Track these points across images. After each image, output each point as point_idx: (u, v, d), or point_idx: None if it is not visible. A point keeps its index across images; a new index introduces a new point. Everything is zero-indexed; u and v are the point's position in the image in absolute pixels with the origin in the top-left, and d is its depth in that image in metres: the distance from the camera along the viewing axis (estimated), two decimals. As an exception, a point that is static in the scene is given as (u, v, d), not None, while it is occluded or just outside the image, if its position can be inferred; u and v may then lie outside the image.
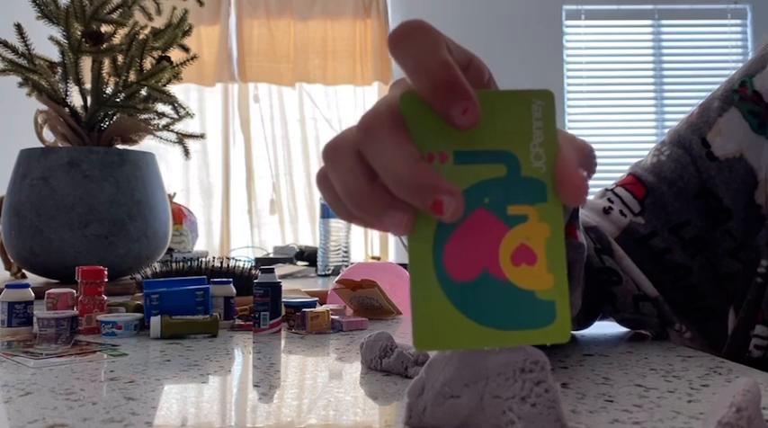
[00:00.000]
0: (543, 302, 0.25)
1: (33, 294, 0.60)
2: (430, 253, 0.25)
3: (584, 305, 0.52)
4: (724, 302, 0.54)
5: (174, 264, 0.77)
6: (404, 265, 0.92)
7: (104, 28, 1.04)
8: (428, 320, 0.25)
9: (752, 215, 0.52)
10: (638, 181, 0.56)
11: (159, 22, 1.09)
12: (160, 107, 1.07)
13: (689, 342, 0.55)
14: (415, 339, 0.25)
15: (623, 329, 0.61)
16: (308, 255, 1.70)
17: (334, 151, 0.27)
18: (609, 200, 0.57)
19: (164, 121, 1.09)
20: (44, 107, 1.03)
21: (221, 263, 0.77)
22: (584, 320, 0.56)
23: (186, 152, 1.13)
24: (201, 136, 1.16)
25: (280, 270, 1.31)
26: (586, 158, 0.27)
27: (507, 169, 0.26)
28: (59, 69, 1.03)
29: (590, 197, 0.57)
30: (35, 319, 0.58)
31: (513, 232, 0.25)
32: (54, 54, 1.05)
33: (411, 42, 0.26)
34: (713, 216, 0.53)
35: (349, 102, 3.55)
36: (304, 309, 0.61)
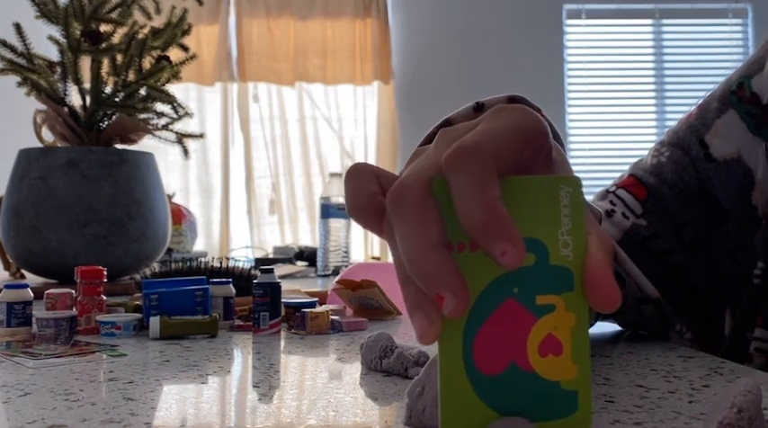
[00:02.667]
0: (567, 392, 0.26)
1: (32, 294, 0.60)
2: (460, 346, 0.25)
3: None
4: (720, 303, 0.55)
5: (173, 265, 0.77)
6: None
7: (103, 27, 1.04)
8: (456, 413, 0.25)
9: (748, 216, 0.52)
10: (638, 182, 0.56)
11: (158, 22, 1.09)
12: (159, 107, 1.07)
13: (689, 343, 0.55)
14: (443, 426, 0.25)
15: (623, 329, 0.61)
16: (308, 255, 1.70)
17: (397, 203, 0.26)
18: (611, 202, 0.57)
19: (163, 121, 1.09)
20: (43, 107, 1.03)
21: (221, 263, 0.77)
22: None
23: (185, 152, 1.13)
24: (201, 135, 1.16)
25: (279, 270, 1.31)
26: (609, 252, 0.27)
27: (536, 258, 0.26)
28: (58, 69, 1.03)
29: (590, 198, 0.57)
30: (34, 319, 0.58)
31: (541, 322, 0.25)
32: (53, 53, 1.05)
33: (460, 170, 0.25)
34: (712, 216, 0.54)
35: (349, 102, 3.55)
36: (304, 310, 0.61)
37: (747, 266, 0.51)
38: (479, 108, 0.41)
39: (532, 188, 0.26)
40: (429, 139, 0.42)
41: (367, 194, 0.28)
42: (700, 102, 0.58)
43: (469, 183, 0.24)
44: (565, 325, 0.26)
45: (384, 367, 0.42)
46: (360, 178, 0.29)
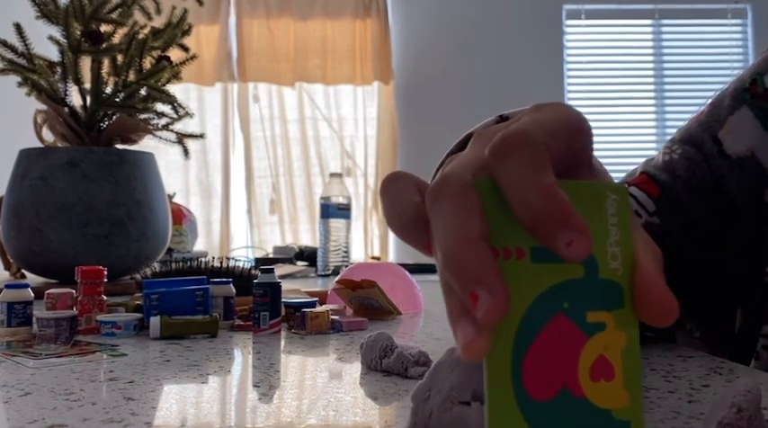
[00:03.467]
0: (619, 422, 0.23)
1: (33, 294, 0.60)
2: (509, 368, 0.22)
3: None
4: (732, 301, 0.54)
5: (173, 264, 0.77)
6: (403, 265, 0.92)
7: (104, 27, 1.04)
8: None
9: (761, 214, 0.51)
10: (651, 179, 0.55)
11: (159, 22, 1.09)
12: (160, 107, 1.07)
13: (698, 341, 0.55)
14: None
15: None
16: (308, 255, 1.70)
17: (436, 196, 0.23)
18: None
19: (163, 121, 1.09)
20: (43, 107, 1.03)
21: (221, 263, 0.77)
22: None
23: (186, 152, 1.13)
24: (201, 136, 1.16)
25: (279, 270, 1.31)
26: (659, 260, 0.24)
27: (585, 270, 0.23)
28: (59, 69, 1.03)
29: None
30: (34, 319, 0.58)
31: (591, 342, 0.23)
32: (53, 54, 1.05)
33: (509, 160, 0.22)
34: (725, 214, 0.53)
35: (349, 102, 3.55)
36: (304, 309, 0.61)
37: (758, 265, 0.51)
38: (503, 120, 0.39)
39: (579, 193, 0.23)
40: (450, 154, 0.40)
41: (409, 203, 0.25)
42: (711, 99, 0.57)
43: (523, 170, 0.22)
44: (616, 345, 0.23)
45: (384, 367, 0.42)
46: (400, 187, 0.26)
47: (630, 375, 0.23)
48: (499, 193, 0.23)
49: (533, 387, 0.22)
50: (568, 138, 0.25)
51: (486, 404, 0.22)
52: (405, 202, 0.25)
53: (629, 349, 0.24)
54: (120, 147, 1.05)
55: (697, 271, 0.53)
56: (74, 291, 0.64)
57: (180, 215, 1.63)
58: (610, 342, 0.23)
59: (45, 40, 1.05)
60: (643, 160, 0.60)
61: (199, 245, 2.05)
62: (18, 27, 1.01)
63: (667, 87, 3.66)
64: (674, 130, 0.59)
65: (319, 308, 0.62)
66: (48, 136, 1.09)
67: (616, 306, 0.23)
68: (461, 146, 0.39)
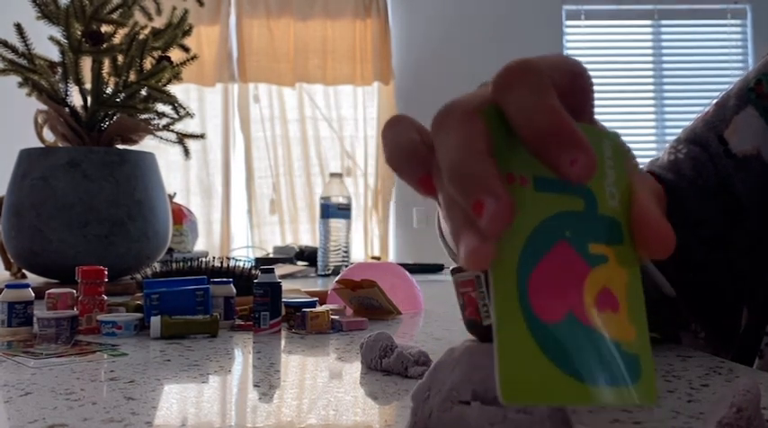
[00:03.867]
0: (628, 356, 0.22)
1: (33, 294, 0.60)
2: (515, 287, 0.21)
3: None
4: (739, 301, 0.54)
5: (174, 264, 0.77)
6: (403, 265, 0.92)
7: (104, 28, 1.04)
8: (517, 369, 0.21)
9: (766, 214, 0.52)
10: (657, 179, 0.55)
11: (159, 22, 1.09)
12: (160, 107, 1.07)
13: (703, 342, 0.55)
14: (503, 390, 0.21)
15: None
16: (308, 255, 1.70)
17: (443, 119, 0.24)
18: None
19: (164, 121, 1.09)
20: (44, 107, 1.03)
21: (221, 263, 0.77)
22: None
23: (186, 152, 1.13)
24: (201, 136, 1.16)
25: (280, 270, 1.31)
26: (661, 202, 0.25)
27: (585, 204, 0.23)
28: (59, 69, 1.04)
29: None
30: (35, 319, 0.58)
31: (595, 272, 0.23)
32: (54, 54, 1.05)
33: (514, 86, 0.23)
34: (731, 214, 0.53)
35: (349, 102, 3.55)
36: (304, 309, 0.61)
37: (765, 263, 0.51)
38: None
39: None
40: None
41: (407, 139, 0.25)
42: (716, 100, 0.57)
43: (528, 93, 0.22)
44: (619, 280, 0.23)
45: (384, 366, 0.42)
46: (400, 126, 0.26)
47: (635, 311, 0.23)
48: (504, 122, 0.23)
49: (540, 307, 0.22)
50: (570, 77, 0.26)
51: (493, 323, 0.21)
52: (402, 138, 0.26)
53: (633, 285, 0.23)
54: (120, 147, 1.05)
55: (703, 270, 0.53)
56: (74, 291, 0.64)
57: (180, 215, 1.63)
58: (612, 275, 0.23)
59: (46, 41, 1.05)
60: (648, 161, 0.60)
61: (199, 245, 2.05)
62: (19, 27, 1.01)
63: (667, 88, 3.66)
64: (674, 130, 0.59)
65: (319, 308, 0.62)
66: (48, 136, 1.09)
67: (616, 241, 0.24)
68: None
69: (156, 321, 0.57)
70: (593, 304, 0.22)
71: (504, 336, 0.21)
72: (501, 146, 0.23)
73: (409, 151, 0.25)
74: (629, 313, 0.23)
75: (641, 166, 0.59)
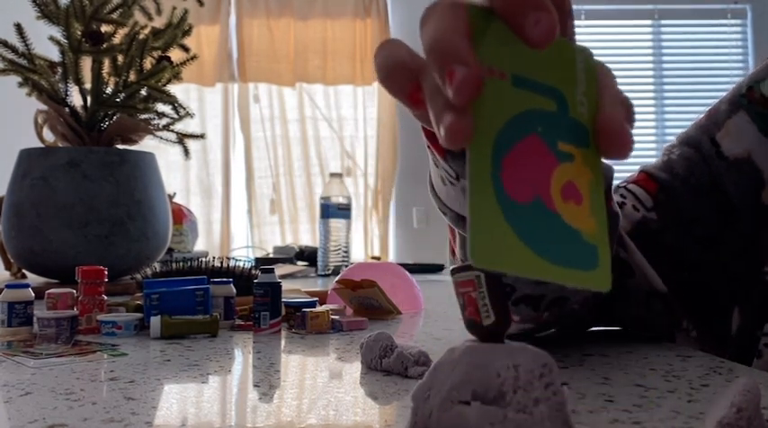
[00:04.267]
0: (588, 245, 0.25)
1: (33, 294, 0.60)
2: (489, 164, 0.23)
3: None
4: (730, 302, 0.54)
5: (173, 264, 0.77)
6: (403, 265, 0.92)
7: (104, 28, 1.04)
8: (486, 236, 0.23)
9: (759, 215, 0.52)
10: (649, 177, 0.57)
11: (159, 22, 1.09)
12: (160, 107, 1.07)
13: (695, 341, 0.55)
14: (473, 253, 0.22)
15: (623, 329, 0.61)
16: (308, 255, 1.70)
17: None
18: (621, 195, 0.57)
19: (164, 121, 1.09)
20: (44, 107, 1.03)
21: (221, 263, 0.77)
22: (593, 312, 0.55)
23: (186, 152, 1.13)
24: (201, 136, 1.16)
25: (280, 270, 1.31)
26: (629, 112, 0.27)
27: (557, 106, 0.25)
28: (59, 69, 1.04)
29: None
30: (35, 319, 0.58)
31: (562, 167, 0.25)
32: (54, 54, 1.05)
33: None
34: (724, 214, 0.54)
35: (349, 102, 3.55)
36: (304, 309, 0.61)
37: (757, 265, 0.51)
38: None
39: (553, 45, 0.25)
40: None
41: (396, 56, 0.27)
42: (710, 108, 0.59)
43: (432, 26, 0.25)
44: (583, 177, 0.25)
45: (384, 366, 0.42)
46: (390, 45, 0.28)
47: (596, 206, 0.25)
48: (488, 17, 0.25)
49: (511, 187, 0.24)
50: None
51: (468, 193, 0.23)
52: (392, 54, 0.28)
53: (595, 183, 0.26)
54: (120, 147, 1.05)
55: (697, 269, 0.54)
56: (74, 291, 0.64)
57: (180, 215, 1.63)
58: (578, 173, 0.25)
59: (46, 41, 1.05)
60: (642, 161, 0.61)
61: (199, 245, 2.05)
62: (19, 27, 1.01)
63: (667, 88, 3.66)
64: (674, 130, 0.61)
65: (319, 308, 0.62)
66: (48, 136, 1.09)
67: (582, 144, 0.26)
68: None
69: (155, 321, 0.57)
70: (559, 193, 0.24)
71: (476, 207, 0.23)
72: (484, 40, 0.25)
73: (398, 64, 0.27)
74: (590, 207, 0.25)
75: (636, 165, 0.60)
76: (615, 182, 0.60)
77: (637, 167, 0.61)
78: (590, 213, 0.25)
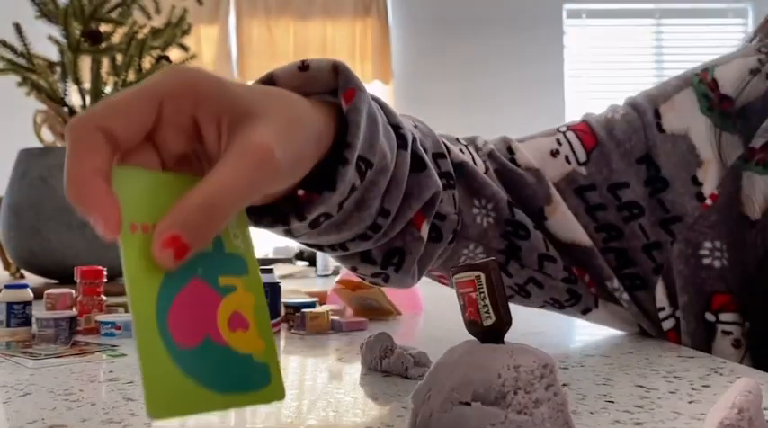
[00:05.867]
0: (259, 365, 0.28)
1: (32, 294, 0.60)
2: (154, 320, 0.25)
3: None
4: (651, 272, 0.55)
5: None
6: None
7: (103, 27, 1.04)
8: (160, 387, 0.25)
9: (692, 191, 0.54)
10: (590, 131, 0.57)
11: (158, 22, 1.09)
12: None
13: (625, 306, 0.55)
14: (148, 407, 0.24)
15: (620, 331, 0.61)
16: (308, 256, 1.70)
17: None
18: (558, 141, 0.57)
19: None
20: (43, 106, 1.03)
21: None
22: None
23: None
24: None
25: (279, 270, 1.31)
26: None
27: (213, 246, 0.28)
28: (58, 69, 1.03)
29: (541, 131, 0.58)
30: (34, 320, 0.58)
31: (226, 300, 0.28)
32: (53, 53, 1.05)
33: (68, 146, 0.27)
34: (651, 183, 0.55)
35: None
36: (304, 310, 0.61)
37: (690, 243, 0.52)
38: (305, 68, 0.38)
39: (184, 187, 0.27)
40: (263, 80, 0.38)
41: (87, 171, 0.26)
42: (662, 80, 0.61)
43: (68, 158, 0.26)
44: (247, 304, 0.28)
45: (384, 367, 0.42)
46: (79, 147, 0.27)
47: (263, 327, 0.28)
48: (135, 177, 0.27)
49: (179, 336, 0.26)
50: (152, 108, 0.28)
51: (137, 350, 0.25)
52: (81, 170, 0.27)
53: (259, 307, 0.28)
54: (119, 146, 1.05)
55: (618, 234, 0.54)
56: (73, 292, 0.64)
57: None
58: (241, 301, 0.28)
59: (45, 40, 1.05)
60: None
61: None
62: (17, 27, 1.01)
63: (667, 87, 3.66)
64: None
65: (319, 308, 0.62)
66: (47, 136, 1.09)
67: (242, 272, 0.29)
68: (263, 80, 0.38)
69: (155, 321, 0.56)
70: (226, 326, 0.27)
71: (147, 365, 0.25)
72: (127, 200, 0.26)
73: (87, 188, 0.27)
74: (258, 329, 0.28)
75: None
76: (563, 123, 0.59)
77: None
78: (258, 335, 0.28)
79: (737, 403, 0.24)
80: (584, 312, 0.56)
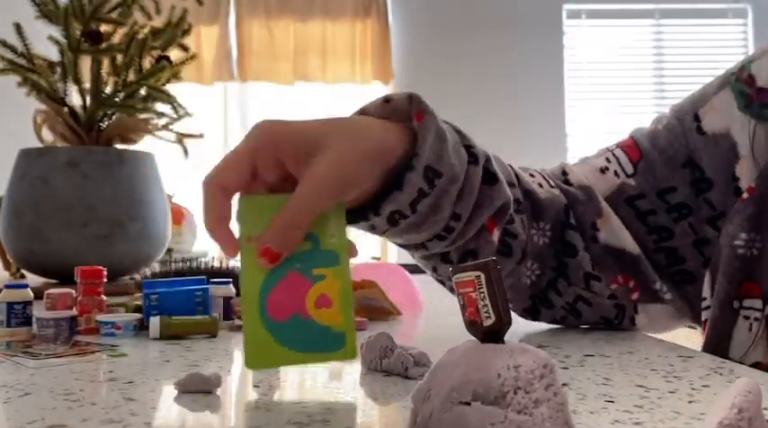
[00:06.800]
0: (336, 333, 0.37)
1: (32, 294, 0.60)
2: (256, 303, 0.37)
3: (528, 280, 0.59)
4: (701, 267, 0.58)
5: (173, 264, 0.77)
6: (404, 265, 0.92)
7: (104, 27, 1.04)
8: (255, 349, 0.37)
9: (731, 187, 0.56)
10: (635, 145, 0.61)
11: (158, 22, 1.09)
12: (159, 107, 1.07)
13: (669, 304, 0.59)
14: (246, 360, 0.37)
15: (623, 330, 0.61)
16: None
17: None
18: (607, 159, 0.62)
19: (163, 121, 1.09)
20: (43, 107, 1.03)
21: (221, 263, 0.77)
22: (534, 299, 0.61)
23: (185, 152, 1.13)
24: (200, 136, 1.16)
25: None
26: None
27: (311, 244, 0.39)
28: (58, 69, 1.03)
29: (592, 153, 0.65)
30: (34, 319, 0.58)
31: (316, 286, 0.38)
32: (53, 53, 1.05)
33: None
34: (696, 185, 0.58)
35: (348, 102, 3.55)
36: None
37: (728, 235, 0.54)
38: (388, 101, 0.49)
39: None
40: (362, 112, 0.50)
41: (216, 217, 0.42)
42: (706, 83, 0.63)
43: (203, 207, 0.42)
44: (334, 288, 0.38)
45: (384, 367, 0.42)
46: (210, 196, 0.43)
47: (344, 306, 0.38)
48: (254, 203, 0.41)
49: (273, 313, 0.37)
50: (245, 166, 0.42)
51: (243, 327, 0.37)
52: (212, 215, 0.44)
53: (344, 291, 0.38)
54: (119, 147, 1.05)
55: (669, 235, 0.58)
56: (73, 291, 0.64)
57: (179, 215, 1.63)
58: (330, 286, 0.38)
59: (45, 40, 1.05)
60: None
61: (199, 246, 2.05)
62: (18, 27, 1.01)
63: (668, 87, 3.66)
64: None
65: (319, 308, 0.62)
66: (47, 136, 1.09)
67: (333, 264, 0.39)
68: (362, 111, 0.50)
69: (155, 321, 0.56)
70: (313, 305, 0.37)
71: (247, 333, 0.37)
72: (245, 219, 0.40)
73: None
74: (339, 307, 0.38)
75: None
76: (613, 143, 0.64)
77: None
78: (339, 312, 0.38)
79: (737, 403, 0.24)
80: (632, 320, 0.60)
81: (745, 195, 0.54)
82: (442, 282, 0.59)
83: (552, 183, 0.60)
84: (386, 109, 0.48)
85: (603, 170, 0.61)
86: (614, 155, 0.62)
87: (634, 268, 0.58)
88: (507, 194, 0.52)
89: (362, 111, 0.49)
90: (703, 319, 0.56)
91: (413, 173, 0.45)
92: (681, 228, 0.58)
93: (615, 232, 0.58)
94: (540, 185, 0.59)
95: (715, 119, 0.57)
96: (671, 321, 0.61)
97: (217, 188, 0.41)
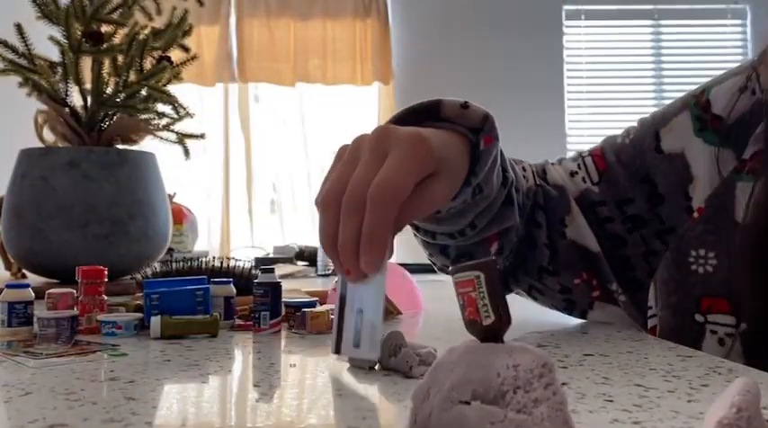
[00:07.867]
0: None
1: (33, 294, 0.60)
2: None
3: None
4: (647, 276, 0.63)
5: (174, 264, 0.77)
6: (404, 265, 0.92)
7: (104, 28, 1.04)
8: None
9: (683, 205, 0.61)
10: (602, 155, 0.67)
11: (159, 22, 1.09)
12: (160, 107, 1.07)
13: (622, 306, 0.63)
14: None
15: (623, 329, 0.61)
16: (308, 255, 1.70)
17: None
18: (578, 165, 0.68)
19: (164, 121, 1.09)
20: (44, 107, 1.03)
21: (221, 262, 0.77)
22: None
23: (186, 152, 1.13)
24: (201, 136, 1.16)
25: (280, 270, 1.31)
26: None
27: None
28: (59, 69, 1.03)
29: (570, 155, 0.70)
30: (35, 319, 0.58)
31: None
32: (54, 54, 1.05)
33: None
34: (651, 201, 0.63)
35: (349, 102, 3.55)
36: (304, 309, 0.61)
37: (679, 251, 0.59)
38: (465, 107, 0.52)
39: None
40: (398, 120, 0.52)
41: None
42: (672, 100, 0.67)
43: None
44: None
45: (392, 365, 0.43)
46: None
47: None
48: None
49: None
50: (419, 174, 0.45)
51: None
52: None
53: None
54: (120, 147, 1.05)
55: (622, 243, 0.64)
56: (74, 291, 0.64)
57: (180, 215, 1.63)
58: None
59: (46, 41, 1.05)
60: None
61: (199, 245, 2.05)
62: (19, 27, 1.01)
63: (667, 88, 3.66)
64: None
65: (319, 308, 0.62)
66: (48, 136, 1.09)
67: None
68: (399, 119, 0.53)
69: (155, 321, 0.57)
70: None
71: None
72: None
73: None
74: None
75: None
76: (586, 147, 0.70)
77: None
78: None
79: (736, 402, 0.24)
80: (582, 314, 0.66)
81: (695, 215, 0.58)
82: (433, 264, 0.66)
83: (537, 181, 0.65)
84: (460, 113, 0.52)
85: (573, 174, 0.67)
86: (584, 162, 0.68)
87: (595, 266, 0.63)
88: (516, 218, 0.58)
89: (439, 104, 0.52)
90: (650, 326, 0.61)
91: (468, 189, 0.51)
92: (633, 239, 0.63)
93: (581, 230, 0.63)
94: (526, 178, 0.64)
95: (672, 140, 0.62)
96: (621, 323, 0.65)
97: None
